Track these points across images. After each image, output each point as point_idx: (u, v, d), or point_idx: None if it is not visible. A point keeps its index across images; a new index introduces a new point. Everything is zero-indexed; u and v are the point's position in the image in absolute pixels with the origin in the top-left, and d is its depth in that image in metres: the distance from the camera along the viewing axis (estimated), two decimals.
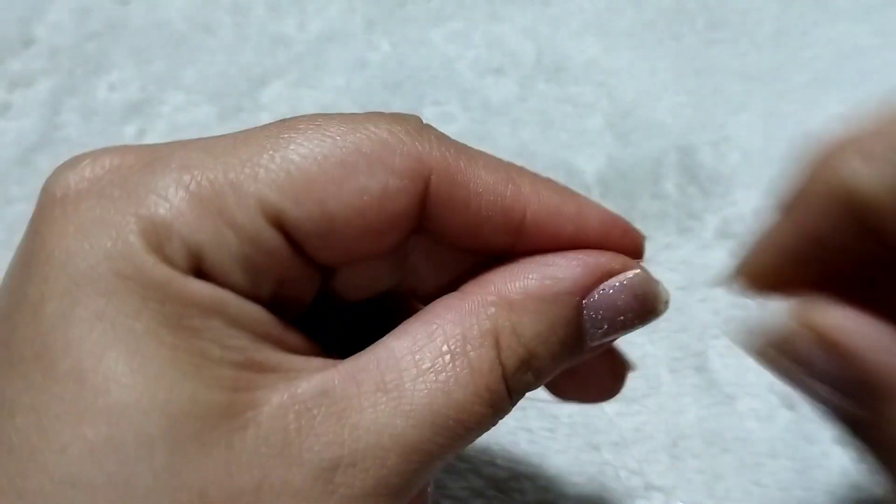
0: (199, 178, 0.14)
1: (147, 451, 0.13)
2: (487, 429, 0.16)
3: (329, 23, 0.36)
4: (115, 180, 0.14)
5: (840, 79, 0.33)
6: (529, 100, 0.33)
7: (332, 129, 0.15)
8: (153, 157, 0.15)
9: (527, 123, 0.32)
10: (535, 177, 0.17)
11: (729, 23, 0.35)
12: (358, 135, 0.15)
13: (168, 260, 0.14)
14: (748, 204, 0.30)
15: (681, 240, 0.29)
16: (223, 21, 0.36)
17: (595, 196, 0.30)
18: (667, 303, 0.17)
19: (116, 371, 0.13)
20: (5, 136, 0.33)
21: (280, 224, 0.14)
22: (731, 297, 0.27)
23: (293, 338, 0.16)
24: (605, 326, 0.16)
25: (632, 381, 0.26)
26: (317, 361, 0.15)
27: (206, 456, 0.13)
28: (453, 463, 0.24)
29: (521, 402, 0.25)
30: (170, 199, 0.14)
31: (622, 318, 0.16)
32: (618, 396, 0.25)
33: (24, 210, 0.30)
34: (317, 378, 0.14)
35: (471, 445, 0.24)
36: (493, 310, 0.15)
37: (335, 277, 0.17)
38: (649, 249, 0.29)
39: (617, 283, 0.16)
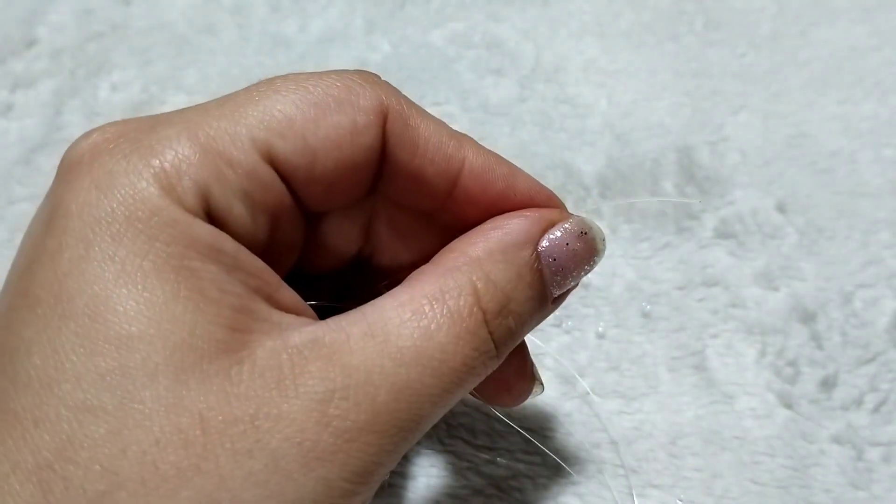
0: (197, 129, 0.16)
1: (151, 379, 0.14)
2: (475, 376, 0.16)
3: (330, 24, 0.36)
4: (123, 140, 0.16)
5: (838, 79, 0.33)
6: (529, 100, 0.33)
7: (304, 82, 0.17)
8: (155, 121, 0.16)
9: (526, 124, 0.32)
10: (475, 142, 0.19)
11: (727, 24, 0.35)
12: (327, 83, 0.17)
13: (180, 200, 0.15)
14: (746, 204, 0.30)
15: (679, 239, 0.29)
16: (224, 22, 0.37)
17: (594, 196, 0.30)
18: (604, 241, 0.19)
19: (125, 306, 0.14)
20: (8, 136, 0.34)
21: (271, 159, 0.17)
22: (730, 297, 0.27)
23: (286, 297, 0.17)
24: (561, 271, 0.18)
25: (631, 381, 0.26)
26: (306, 320, 0.16)
27: (205, 384, 0.14)
28: (454, 462, 0.24)
29: (521, 404, 0.25)
30: (175, 148, 0.16)
31: (572, 260, 0.18)
32: (618, 396, 0.25)
33: (26, 209, 0.31)
34: (307, 329, 0.16)
35: (471, 444, 0.25)
36: (465, 267, 0.17)
37: (317, 230, 0.19)
38: (648, 249, 0.29)
39: (560, 230, 0.18)
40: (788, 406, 0.25)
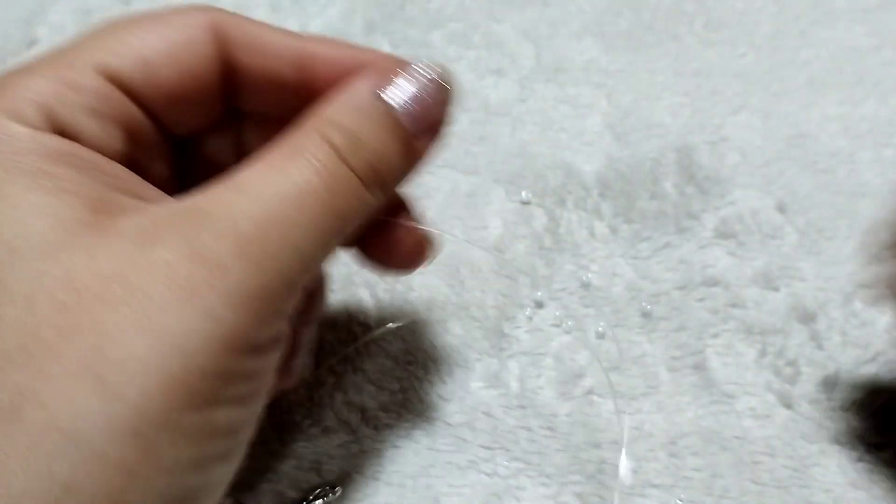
0: (34, 67, 0.17)
1: (16, 259, 0.14)
2: (347, 207, 0.17)
3: (330, 24, 0.36)
4: None
5: (837, 79, 0.33)
6: (529, 100, 0.33)
7: (141, 14, 0.19)
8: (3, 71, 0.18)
9: (526, 124, 0.32)
10: (318, 35, 0.20)
11: (727, 24, 0.35)
12: (159, 12, 0.19)
13: (25, 120, 0.16)
14: (746, 204, 0.30)
15: (679, 239, 0.29)
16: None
17: (594, 196, 0.30)
18: (450, 75, 0.20)
19: None
20: None
21: (110, 75, 0.17)
22: (730, 297, 0.28)
23: (152, 194, 0.18)
24: (410, 104, 0.19)
25: (631, 380, 0.26)
26: (170, 199, 0.17)
27: (69, 255, 0.15)
28: (454, 461, 0.24)
29: (521, 403, 0.25)
30: (17, 82, 0.17)
31: (420, 93, 0.19)
32: (618, 395, 0.25)
33: None
34: (167, 202, 0.16)
35: (472, 443, 0.25)
36: (312, 123, 0.18)
37: (190, 160, 0.20)
38: (648, 249, 0.29)
39: (402, 74, 0.19)
40: (788, 406, 0.25)
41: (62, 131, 0.17)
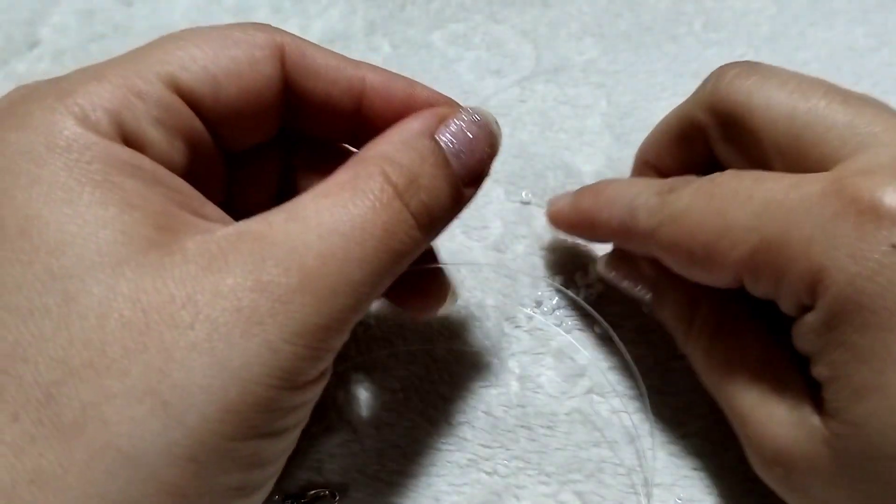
0: (105, 71, 0.17)
1: (89, 274, 0.15)
2: (401, 244, 0.17)
3: (331, 25, 0.36)
4: (38, 88, 0.17)
5: (836, 80, 0.33)
6: (529, 101, 0.33)
7: (203, 28, 0.19)
8: (63, 75, 0.18)
9: (526, 124, 0.32)
10: (373, 65, 0.21)
11: (726, 24, 0.35)
12: (224, 28, 0.19)
13: (94, 127, 0.16)
14: None
15: None
16: (226, 23, 0.37)
17: None
18: (497, 124, 0.20)
19: (56, 219, 0.15)
20: None
21: (177, 88, 0.18)
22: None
23: (211, 211, 0.18)
24: (463, 153, 0.19)
25: (630, 380, 0.26)
26: (231, 224, 0.17)
27: (138, 274, 0.15)
28: (454, 460, 0.24)
29: (521, 402, 0.25)
30: (85, 87, 0.17)
31: (471, 142, 0.19)
32: (618, 395, 0.25)
33: None
34: (232, 225, 0.17)
35: (472, 442, 0.25)
36: (371, 157, 0.18)
37: (238, 176, 0.21)
38: None
39: (455, 119, 0.19)
40: None
41: (129, 140, 0.17)
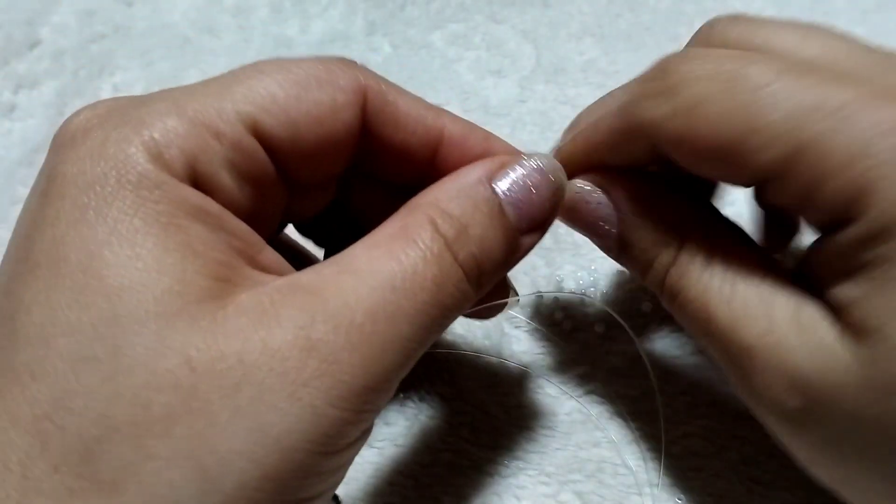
0: (185, 104, 0.17)
1: (141, 325, 0.14)
2: (451, 298, 0.17)
3: (331, 25, 0.36)
4: (113, 114, 0.17)
5: None
6: (529, 101, 0.33)
7: (287, 64, 0.18)
8: (144, 98, 0.17)
9: (526, 124, 0.32)
10: (452, 113, 0.20)
11: None
12: (309, 65, 0.18)
13: (167, 166, 0.16)
14: (747, 204, 0.30)
15: None
16: (226, 23, 0.37)
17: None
18: (562, 172, 0.20)
19: (117, 260, 0.15)
20: (11, 136, 0.34)
21: (256, 132, 0.17)
22: None
23: (268, 259, 0.18)
24: (522, 202, 0.19)
25: (631, 381, 0.26)
26: (285, 276, 0.17)
27: (191, 327, 0.15)
28: (455, 460, 0.24)
29: (520, 403, 0.25)
30: (163, 120, 0.16)
31: (531, 192, 0.19)
32: (618, 397, 0.25)
33: None
34: (285, 278, 0.16)
35: (472, 442, 0.25)
36: (422, 206, 0.18)
37: (297, 202, 0.20)
38: None
39: (514, 166, 0.19)
40: None
41: (199, 182, 0.17)
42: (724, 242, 0.20)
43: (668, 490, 0.24)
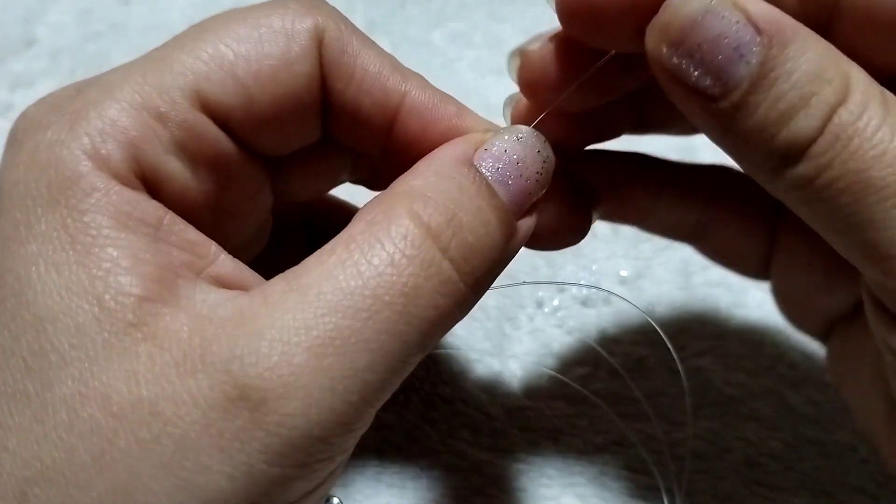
0: (123, 87, 0.15)
1: (64, 362, 0.14)
2: (438, 307, 0.14)
3: None
4: (52, 110, 0.16)
5: None
6: None
7: (236, 16, 0.16)
8: (81, 86, 0.16)
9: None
10: (423, 79, 0.18)
11: None
12: (259, 13, 0.16)
13: (105, 164, 0.15)
14: None
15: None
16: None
17: None
18: (544, 142, 0.17)
19: (41, 286, 0.14)
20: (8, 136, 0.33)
21: (203, 104, 0.16)
22: (732, 298, 0.27)
23: (222, 269, 0.16)
24: (510, 177, 0.16)
25: (632, 382, 0.26)
26: (237, 293, 0.15)
27: (111, 366, 0.13)
28: (455, 462, 0.24)
29: (521, 403, 0.25)
30: (101, 108, 0.15)
31: (517, 165, 0.16)
32: (620, 398, 0.25)
33: None
34: (228, 301, 0.14)
35: (473, 444, 0.24)
36: (399, 196, 0.15)
37: (280, 178, 0.18)
38: (650, 249, 0.29)
39: (494, 141, 0.16)
40: (791, 408, 0.25)
41: (145, 174, 0.15)
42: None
43: (670, 492, 0.24)
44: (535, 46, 0.18)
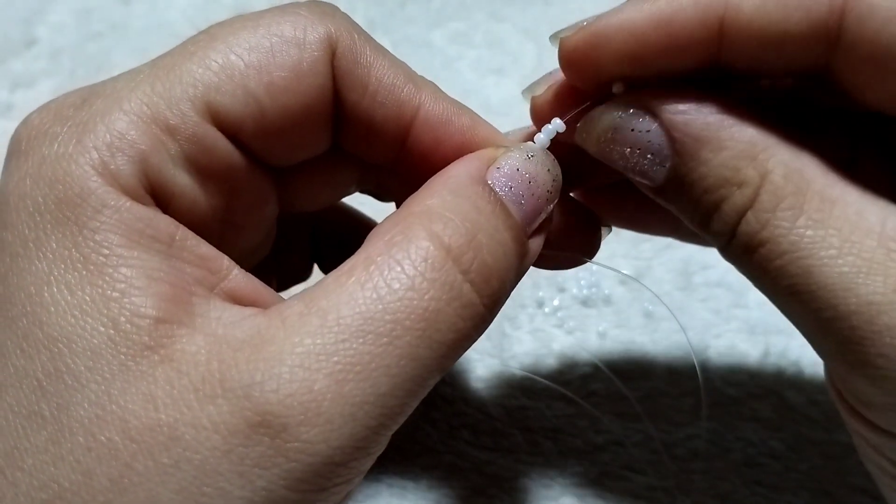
0: (131, 98, 0.15)
1: (80, 384, 0.13)
2: (458, 330, 0.14)
3: None
4: (57, 120, 0.15)
5: None
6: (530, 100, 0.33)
7: (245, 23, 0.16)
8: (89, 93, 0.16)
9: (527, 123, 0.32)
10: (437, 89, 0.17)
11: None
12: (270, 20, 0.16)
13: (115, 180, 0.14)
14: None
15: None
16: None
17: None
18: (554, 161, 0.17)
19: (56, 306, 0.14)
20: (7, 136, 0.33)
21: (213, 116, 0.15)
22: (732, 298, 0.27)
23: (236, 284, 0.15)
24: (522, 197, 0.16)
25: (633, 382, 0.26)
26: (252, 311, 0.15)
27: (128, 389, 0.13)
28: (456, 462, 0.24)
29: (522, 403, 0.25)
30: (107, 123, 0.15)
31: (528, 184, 0.16)
32: (620, 398, 0.25)
33: None
34: (244, 321, 0.14)
35: (474, 444, 0.24)
36: (416, 216, 0.15)
37: (287, 188, 0.18)
38: (650, 249, 0.29)
39: (505, 159, 0.16)
40: (792, 408, 0.25)
41: (154, 189, 0.15)
42: (820, 176, 0.15)
43: (670, 492, 0.24)
44: (540, 91, 0.19)
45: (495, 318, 0.27)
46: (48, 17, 0.36)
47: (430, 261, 0.14)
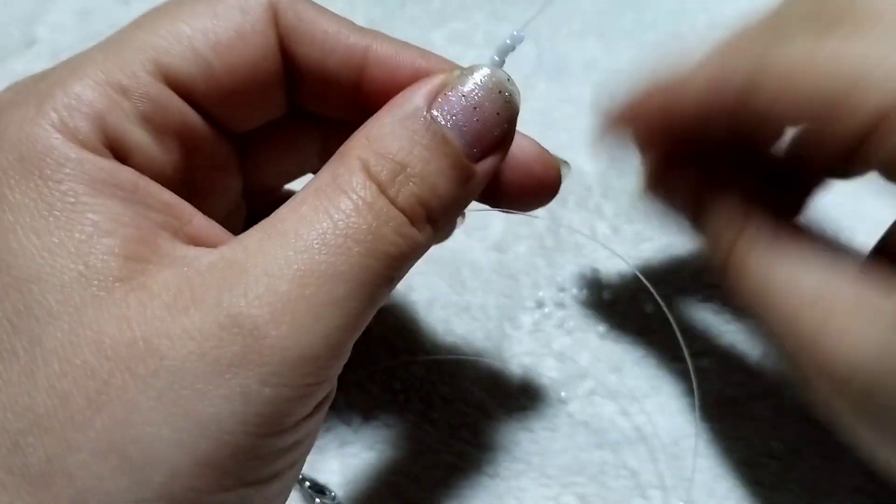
0: (87, 66, 0.16)
1: (52, 317, 0.14)
2: (395, 248, 0.16)
3: None
4: (18, 91, 0.16)
5: None
6: (530, 100, 0.33)
7: None
8: (46, 71, 0.17)
9: (527, 123, 0.32)
10: (383, 34, 0.18)
11: (729, 23, 0.35)
12: None
13: (74, 136, 0.15)
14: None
15: (681, 240, 0.29)
16: None
17: (596, 196, 0.30)
18: (511, 82, 0.18)
19: (22, 252, 0.14)
20: None
21: (164, 76, 0.16)
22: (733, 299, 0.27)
23: (199, 229, 0.16)
24: (466, 123, 0.17)
25: (633, 382, 0.26)
26: (212, 249, 0.16)
27: (100, 316, 0.14)
28: (455, 462, 0.24)
29: (522, 405, 0.25)
30: (66, 86, 0.16)
31: (475, 112, 0.17)
32: (620, 398, 0.25)
33: None
34: (208, 255, 0.15)
35: (473, 444, 0.24)
36: (354, 148, 0.16)
37: (250, 158, 0.19)
38: (650, 249, 0.29)
39: (456, 86, 0.17)
40: (792, 408, 0.25)
41: (113, 145, 0.16)
42: (790, 221, 0.19)
43: (669, 493, 0.24)
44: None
45: (495, 319, 0.27)
46: (48, 17, 0.36)
47: (366, 189, 0.15)
